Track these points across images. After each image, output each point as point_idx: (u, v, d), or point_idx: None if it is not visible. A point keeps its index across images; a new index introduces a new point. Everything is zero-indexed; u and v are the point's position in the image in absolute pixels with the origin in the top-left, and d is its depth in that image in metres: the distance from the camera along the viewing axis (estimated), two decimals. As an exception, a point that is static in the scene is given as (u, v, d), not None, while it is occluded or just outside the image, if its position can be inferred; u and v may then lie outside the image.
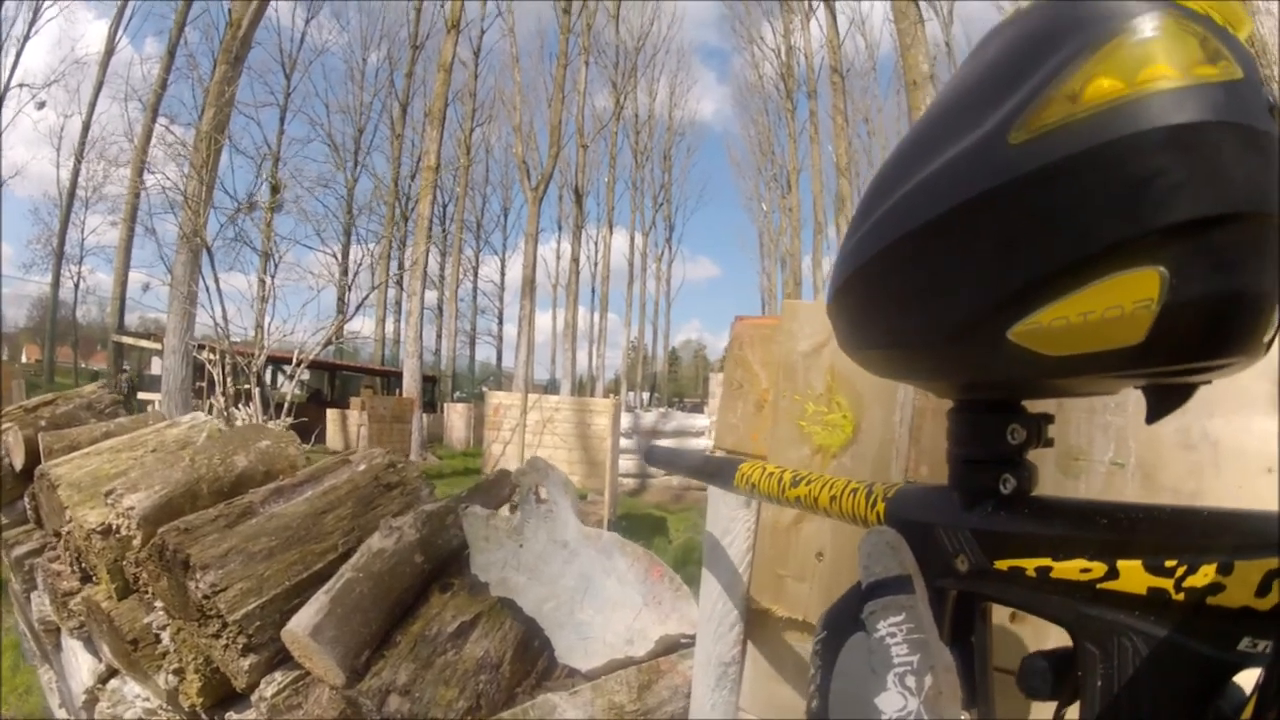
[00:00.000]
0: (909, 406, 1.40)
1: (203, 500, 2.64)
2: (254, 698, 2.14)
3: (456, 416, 26.01)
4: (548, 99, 34.75)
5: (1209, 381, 0.59)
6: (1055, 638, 0.66)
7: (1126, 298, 0.50)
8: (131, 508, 2.58)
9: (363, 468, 2.61)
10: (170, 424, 3.75)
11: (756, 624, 1.64)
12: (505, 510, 2.48)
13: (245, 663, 2.09)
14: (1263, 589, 0.50)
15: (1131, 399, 1.12)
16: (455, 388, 44.77)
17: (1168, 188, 0.48)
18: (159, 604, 2.46)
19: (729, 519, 1.64)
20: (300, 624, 1.95)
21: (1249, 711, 0.51)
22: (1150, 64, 0.49)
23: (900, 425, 1.41)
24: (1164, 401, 0.61)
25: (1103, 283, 0.51)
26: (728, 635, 1.64)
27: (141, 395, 19.20)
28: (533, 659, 2.07)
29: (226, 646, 2.10)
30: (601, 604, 2.10)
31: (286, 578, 2.17)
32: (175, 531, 2.25)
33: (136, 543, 2.56)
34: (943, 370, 0.68)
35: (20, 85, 35.88)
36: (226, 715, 2.35)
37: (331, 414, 21.12)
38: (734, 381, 1.70)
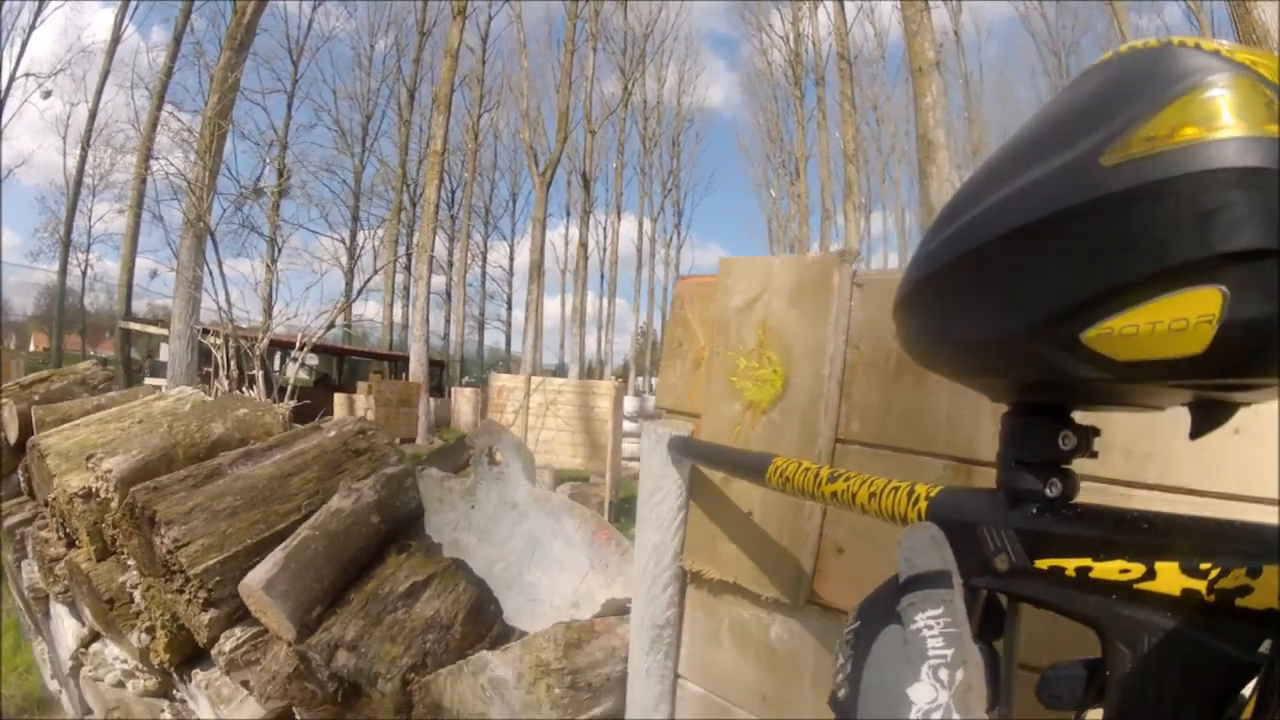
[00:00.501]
0: (839, 361, 1.40)
1: (178, 465, 2.69)
2: (214, 652, 2.19)
3: (464, 401, 25.92)
4: (555, 85, 34.61)
5: (1249, 403, 0.64)
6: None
7: (1192, 312, 0.53)
8: (109, 471, 2.64)
9: (333, 434, 2.66)
10: (158, 397, 3.81)
11: (694, 585, 1.65)
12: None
13: (206, 617, 2.14)
14: None
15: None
16: (463, 372, 44.70)
17: (1233, 219, 0.52)
18: (132, 563, 2.52)
19: (659, 475, 1.63)
20: (255, 578, 2.00)
21: (1249, 711, 0.54)
22: (1223, 115, 0.53)
23: (830, 380, 1.41)
24: (1209, 417, 0.65)
25: (1172, 296, 0.54)
26: (660, 597, 1.65)
27: (149, 381, 19.28)
28: (487, 622, 2.10)
29: (189, 601, 2.16)
30: (549, 566, 2.12)
31: (249, 535, 2.21)
32: (144, 490, 2.31)
33: (114, 504, 2.60)
34: (1010, 367, 0.70)
35: (26, 75, 35.82)
36: (192, 673, 2.40)
37: (339, 398, 21.10)
38: (674, 341, 1.71)
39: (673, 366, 1.71)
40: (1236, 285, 0.52)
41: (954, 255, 0.70)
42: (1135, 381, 0.61)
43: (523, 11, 33.26)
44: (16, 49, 34.66)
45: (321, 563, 2.06)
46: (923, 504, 0.83)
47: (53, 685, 4.22)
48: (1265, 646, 0.54)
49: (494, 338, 58.86)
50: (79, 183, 35.84)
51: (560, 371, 40.70)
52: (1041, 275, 0.62)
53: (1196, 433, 0.66)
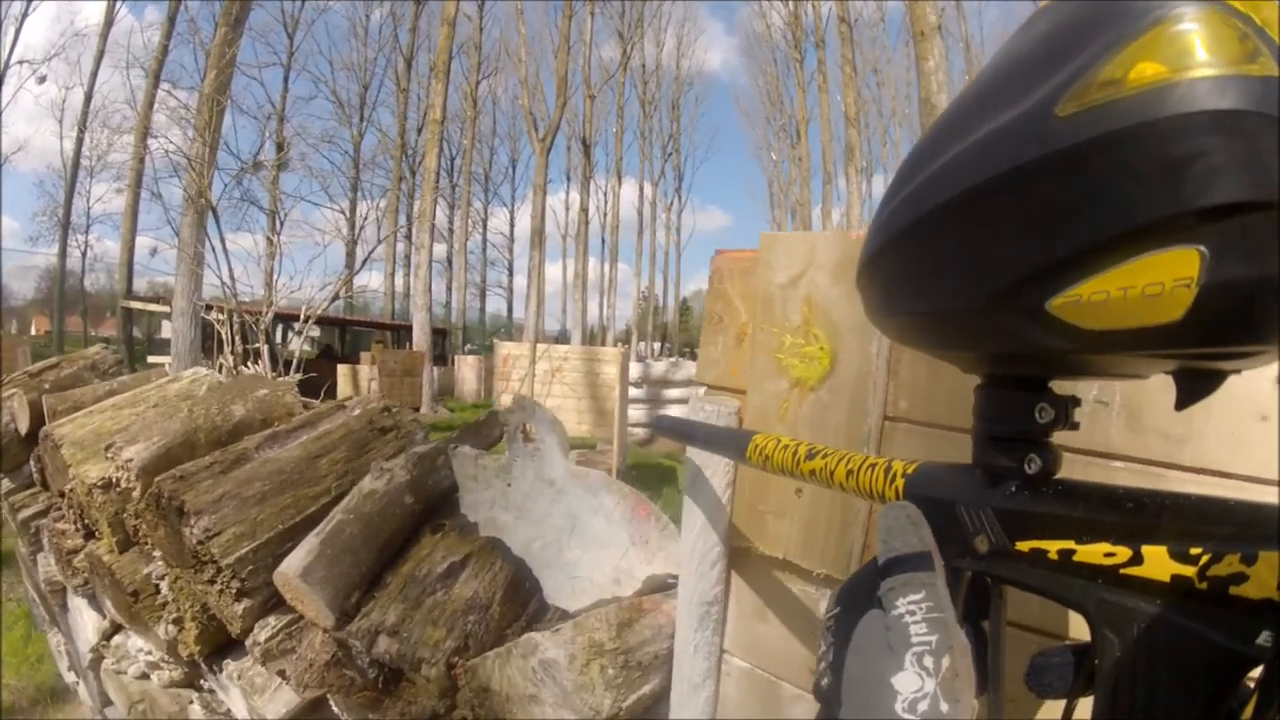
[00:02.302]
0: (887, 339, 1.38)
1: (200, 450, 2.65)
2: (248, 643, 2.17)
3: (468, 369, 25.99)
4: (554, 50, 34.40)
5: (1239, 371, 0.60)
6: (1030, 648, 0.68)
7: (1167, 275, 0.50)
8: (130, 460, 2.60)
9: (357, 412, 2.62)
10: (172, 379, 3.76)
11: (740, 561, 1.63)
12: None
13: (239, 607, 2.11)
14: None
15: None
16: (466, 340, 44.83)
17: (1209, 169, 0.48)
18: (157, 554, 2.49)
19: (706, 453, 1.61)
20: (291, 566, 1.97)
21: (1249, 711, 0.52)
22: (1193, 52, 0.49)
23: (878, 357, 1.39)
24: (1194, 387, 0.62)
25: (1144, 259, 0.51)
26: (709, 573, 1.63)
27: (151, 359, 19.29)
28: (524, 600, 2.07)
29: (221, 592, 2.13)
30: (588, 543, 2.10)
31: (279, 521, 2.18)
32: (171, 479, 2.27)
33: (136, 494, 2.57)
34: (976, 340, 0.67)
35: (20, 62, 35.71)
36: (224, 663, 2.38)
37: (342, 369, 21.08)
38: (714, 315, 1.69)
39: (714, 342, 1.69)
40: (1216, 244, 0.49)
41: (907, 221, 0.67)
42: (1109, 352, 0.58)
43: (519, -24, 32.95)
44: (10, 37, 34.57)
45: (358, 546, 2.02)
46: (899, 482, 0.81)
47: (69, 677, 4.22)
48: (1264, 638, 0.51)
49: (496, 304, 59.32)
50: (76, 165, 35.96)
51: (563, 337, 40.81)
52: (998, 240, 0.59)
53: (1183, 403, 0.62)
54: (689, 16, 53.64)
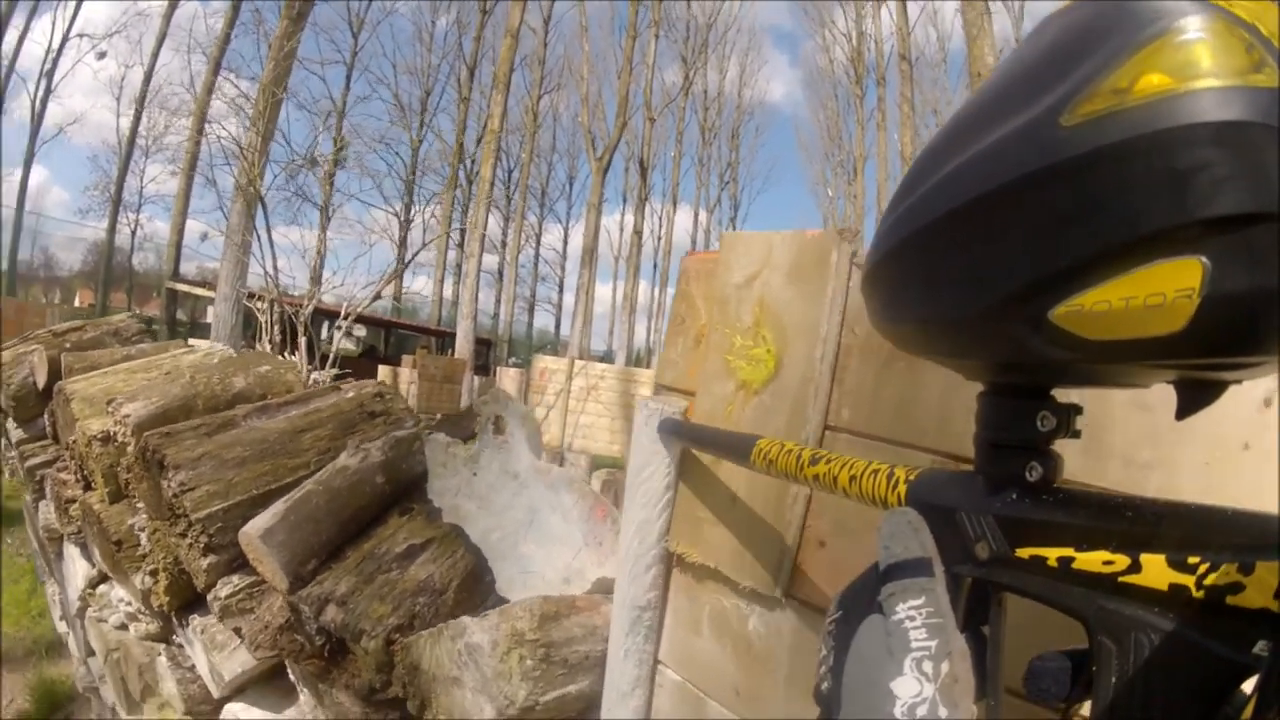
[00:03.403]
0: (832, 343, 1.37)
1: (196, 414, 2.73)
2: (210, 597, 2.22)
3: (509, 381, 25.98)
4: (616, 70, 34.64)
5: (1240, 381, 0.59)
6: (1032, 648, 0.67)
7: (1169, 285, 0.50)
8: (128, 415, 2.68)
9: (350, 394, 2.68)
10: (188, 350, 3.87)
11: (679, 569, 1.63)
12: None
13: (205, 562, 2.17)
14: None
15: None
16: (511, 353, 44.97)
17: (1212, 181, 0.48)
18: (141, 505, 2.56)
19: (649, 452, 1.59)
20: (254, 526, 2.02)
21: (1248, 712, 0.51)
22: (1199, 63, 0.49)
23: (821, 363, 1.37)
24: (1195, 397, 0.61)
25: (1147, 269, 0.51)
26: (643, 578, 1.62)
27: (192, 342, 19.60)
28: (484, 591, 2.11)
29: (191, 545, 2.19)
30: (544, 539, 2.12)
31: (254, 486, 2.24)
32: (157, 435, 2.35)
33: (130, 449, 2.64)
34: (979, 348, 0.67)
35: (80, 35, 36.45)
36: (190, 618, 2.44)
37: (383, 370, 21.31)
38: (678, 317, 1.68)
39: (674, 343, 1.69)
40: (1218, 255, 0.49)
41: (912, 229, 0.67)
42: (1110, 362, 0.58)
43: (586, -6, 33.26)
44: (70, 9, 35.30)
45: (321, 516, 2.07)
46: (902, 488, 0.81)
47: (61, 627, 4.33)
48: (1260, 647, 0.51)
49: (544, 320, 59.21)
50: (132, 142, 36.32)
51: (608, 358, 40.83)
52: (1002, 249, 0.59)
53: (1183, 413, 0.62)
54: (753, 46, 53.47)
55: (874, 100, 41.06)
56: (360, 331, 28.90)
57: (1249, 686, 0.52)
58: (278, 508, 2.06)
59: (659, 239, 50.85)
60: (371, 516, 2.23)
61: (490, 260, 46.02)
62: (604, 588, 1.99)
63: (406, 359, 22.36)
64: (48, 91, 35.77)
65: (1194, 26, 0.50)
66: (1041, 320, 0.56)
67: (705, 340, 1.61)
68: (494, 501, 2.18)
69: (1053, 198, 0.54)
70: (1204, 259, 0.48)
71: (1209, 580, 0.52)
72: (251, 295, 9.46)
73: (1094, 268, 0.53)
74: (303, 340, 7.94)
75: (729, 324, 1.54)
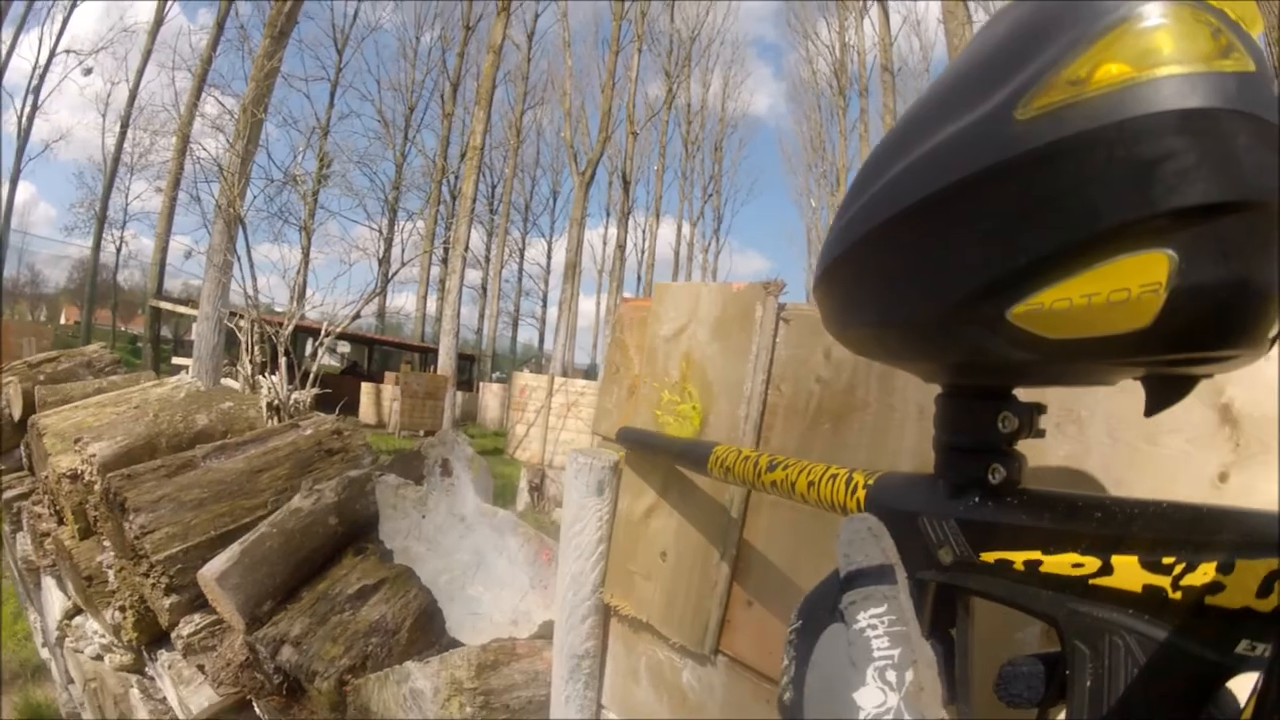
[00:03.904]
0: (757, 402, 1.31)
1: (160, 453, 2.79)
2: (173, 635, 2.28)
3: (491, 396, 25.94)
4: (599, 84, 34.72)
5: (1210, 375, 0.58)
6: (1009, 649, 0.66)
7: (1134, 280, 0.48)
8: (94, 455, 2.74)
9: (309, 432, 2.73)
10: (157, 384, 3.92)
11: (615, 617, 1.60)
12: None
13: (167, 601, 2.23)
14: (1264, 590, 0.48)
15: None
16: (495, 368, 44.78)
17: (1178, 171, 0.46)
18: (108, 544, 2.62)
19: (580, 505, 1.58)
20: (211, 569, 2.08)
21: (1248, 714, 0.49)
22: (1160, 50, 0.48)
23: (745, 421, 1.32)
24: (1164, 393, 0.59)
25: (1109, 264, 0.49)
26: (579, 627, 1.60)
27: (176, 360, 19.54)
28: (438, 631, 2.14)
29: (154, 585, 2.25)
30: (491, 582, 2.15)
31: (212, 527, 2.30)
32: (119, 477, 2.41)
33: (96, 487, 2.69)
34: (936, 350, 0.64)
35: (67, 51, 36.35)
36: (158, 652, 2.49)
37: (366, 387, 21.29)
38: (613, 366, 1.65)
39: (610, 392, 1.64)
40: (1186, 248, 0.47)
41: (864, 230, 0.65)
42: (1074, 361, 0.57)
43: (568, 10, 33.43)
44: (57, 25, 35.22)
45: (275, 559, 2.13)
46: (861, 493, 0.77)
47: (44, 653, 4.36)
48: (1244, 647, 0.49)
49: (528, 334, 59.03)
50: (117, 160, 36.19)
51: (592, 372, 40.68)
52: (957, 249, 0.57)
53: (1153, 409, 0.60)
54: (736, 58, 53.39)
55: (857, 111, 41.16)
56: (344, 348, 28.87)
57: (1233, 685, 0.51)
58: (234, 550, 2.12)
59: (642, 252, 50.82)
60: (326, 557, 2.28)
61: (474, 275, 45.99)
62: (549, 631, 1.97)
63: (390, 375, 22.34)
64: (34, 108, 35.72)
65: (1154, 13, 0.49)
66: (1000, 320, 0.54)
67: (637, 392, 1.56)
68: (442, 543, 2.22)
69: (1008, 194, 0.53)
70: (1171, 252, 0.47)
71: (1186, 581, 0.51)
72: (233, 314, 9.50)
73: (1053, 265, 0.51)
74: (283, 360, 7.97)
75: (658, 377, 1.50)
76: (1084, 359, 0.55)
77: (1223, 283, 0.47)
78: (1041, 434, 0.67)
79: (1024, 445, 0.67)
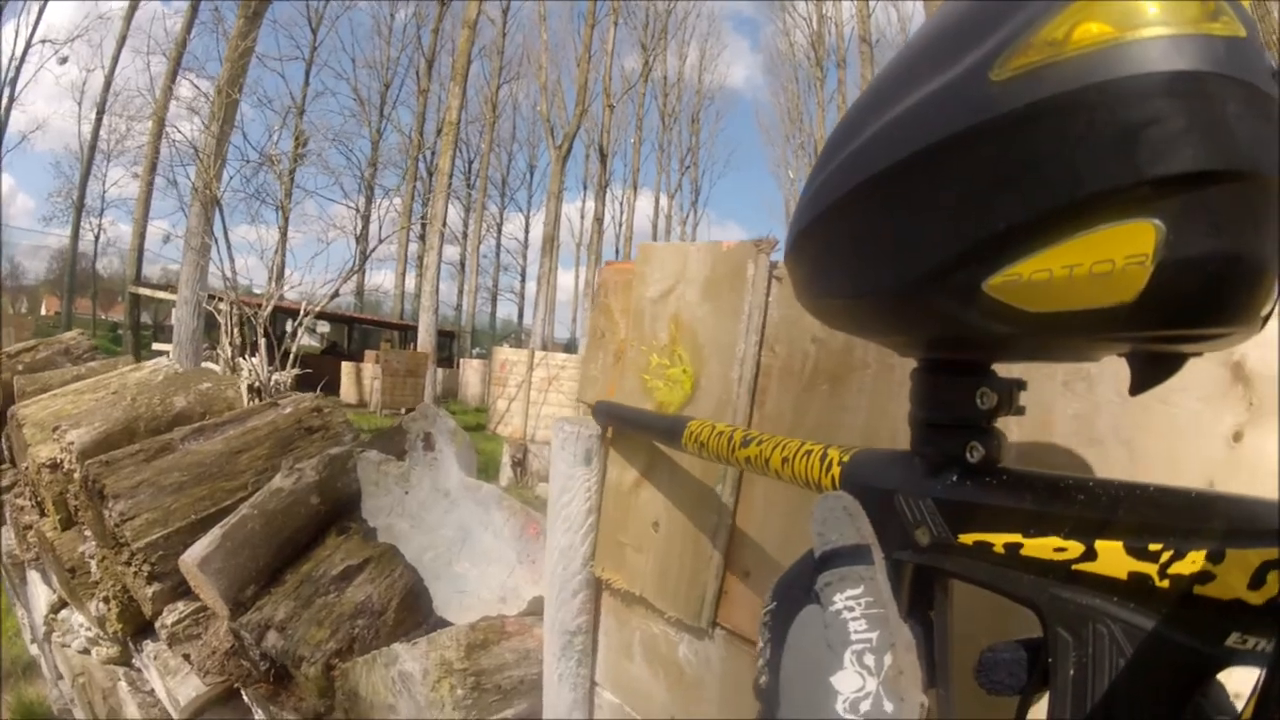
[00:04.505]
0: (751, 364, 1.28)
1: (139, 437, 2.73)
2: (157, 625, 2.23)
3: (472, 372, 25.89)
4: (576, 58, 34.53)
5: (1199, 354, 0.57)
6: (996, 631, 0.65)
7: (1118, 251, 0.46)
8: (72, 442, 2.68)
9: (288, 410, 2.68)
10: (134, 368, 3.85)
11: (607, 592, 1.57)
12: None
13: (149, 590, 2.18)
14: (1256, 581, 0.46)
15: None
16: (475, 344, 44.70)
17: (1166, 136, 0.45)
18: (89, 533, 2.57)
19: (567, 475, 1.54)
20: (192, 555, 2.03)
21: (1248, 714, 0.47)
22: (1142, 11, 0.46)
23: (739, 384, 1.29)
24: (1150, 372, 0.57)
25: (1092, 234, 0.47)
26: (570, 603, 1.58)
27: (157, 346, 19.42)
28: (424, 610, 2.11)
29: (135, 574, 2.20)
30: (477, 558, 2.12)
31: (193, 511, 2.25)
32: (97, 464, 2.35)
33: (76, 476, 2.63)
34: (909, 323, 0.63)
35: (43, 41, 36.01)
36: (144, 643, 2.44)
37: (346, 366, 21.20)
38: (597, 331, 1.62)
39: (594, 358, 1.61)
40: (1174, 218, 0.45)
41: (834, 198, 0.63)
42: (1056, 335, 0.55)
43: (544, -17, 33.12)
44: (33, 15, 34.85)
45: (258, 542, 2.09)
46: (836, 470, 0.76)
47: (33, 649, 4.30)
48: (1235, 639, 0.47)
49: (508, 310, 59.01)
50: (93, 148, 36.08)
51: (571, 346, 40.71)
52: (929, 216, 0.55)
53: (1138, 388, 0.58)
54: (713, 31, 53.56)
55: (834, 83, 41.12)
56: (324, 328, 28.76)
57: (1230, 683, 0.50)
58: (215, 534, 2.07)
59: (620, 225, 50.81)
60: (309, 537, 2.24)
61: (452, 252, 45.89)
62: (538, 607, 1.94)
63: (370, 354, 22.26)
64: (11, 99, 35.32)
65: None
66: (975, 292, 0.53)
67: (623, 357, 1.52)
68: (426, 520, 2.19)
69: (983, 158, 0.51)
70: (1158, 222, 0.45)
71: (1174, 569, 0.49)
72: (212, 298, 9.43)
73: (1032, 233, 0.49)
74: (262, 341, 7.91)
75: (645, 341, 1.46)
76: (1065, 334, 0.53)
77: (1213, 256, 0.46)
78: (1021, 411, 0.65)
79: (1032, 404, 0.66)
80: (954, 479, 0.63)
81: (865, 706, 0.49)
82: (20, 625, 4.60)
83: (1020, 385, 0.64)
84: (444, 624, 2.05)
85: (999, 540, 0.58)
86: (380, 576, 2.08)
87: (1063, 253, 0.48)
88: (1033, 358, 0.66)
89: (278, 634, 1.91)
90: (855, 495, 0.60)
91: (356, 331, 30.61)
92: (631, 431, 1.45)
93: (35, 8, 34.82)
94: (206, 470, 2.36)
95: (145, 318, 27.05)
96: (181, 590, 2.23)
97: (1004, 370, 0.64)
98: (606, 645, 1.57)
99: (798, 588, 0.59)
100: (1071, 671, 0.53)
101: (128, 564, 2.22)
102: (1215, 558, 0.47)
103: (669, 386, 1.42)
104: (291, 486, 2.22)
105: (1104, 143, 0.46)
